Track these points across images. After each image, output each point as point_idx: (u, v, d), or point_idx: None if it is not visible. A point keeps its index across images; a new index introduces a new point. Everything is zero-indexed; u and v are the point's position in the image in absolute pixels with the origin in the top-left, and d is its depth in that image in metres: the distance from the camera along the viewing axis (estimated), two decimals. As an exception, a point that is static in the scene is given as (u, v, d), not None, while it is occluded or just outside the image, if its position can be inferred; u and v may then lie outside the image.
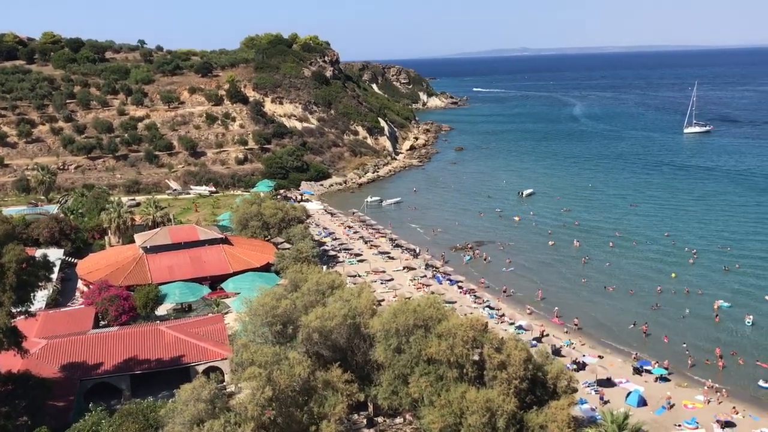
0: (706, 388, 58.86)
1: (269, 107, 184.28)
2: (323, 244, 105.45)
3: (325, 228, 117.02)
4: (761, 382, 59.85)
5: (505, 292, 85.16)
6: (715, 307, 77.23)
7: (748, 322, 72.68)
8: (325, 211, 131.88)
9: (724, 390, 58.48)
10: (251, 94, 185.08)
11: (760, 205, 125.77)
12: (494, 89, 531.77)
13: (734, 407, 55.34)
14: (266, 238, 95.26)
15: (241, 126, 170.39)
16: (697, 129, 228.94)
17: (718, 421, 52.92)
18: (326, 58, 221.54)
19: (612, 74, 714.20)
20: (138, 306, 69.66)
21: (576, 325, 74.04)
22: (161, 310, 73.48)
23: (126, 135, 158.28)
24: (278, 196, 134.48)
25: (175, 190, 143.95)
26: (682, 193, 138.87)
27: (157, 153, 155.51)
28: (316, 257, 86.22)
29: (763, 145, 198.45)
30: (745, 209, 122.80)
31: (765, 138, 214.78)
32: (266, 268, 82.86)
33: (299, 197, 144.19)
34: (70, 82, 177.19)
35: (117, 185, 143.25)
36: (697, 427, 51.30)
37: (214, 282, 79.91)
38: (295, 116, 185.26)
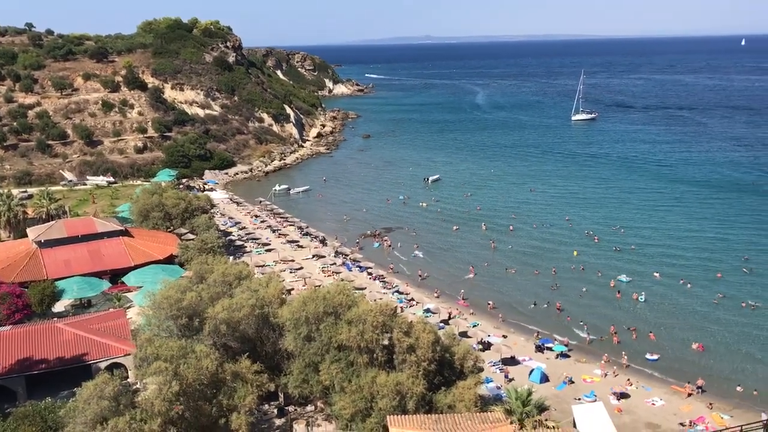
0: (602, 362, 62.08)
1: (169, 94, 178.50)
2: (229, 234, 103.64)
3: (231, 218, 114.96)
4: (648, 355, 63.66)
5: (421, 276, 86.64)
6: (612, 285, 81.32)
7: (641, 299, 77.01)
8: (231, 200, 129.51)
9: (622, 363, 61.95)
10: (150, 81, 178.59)
11: (649, 190, 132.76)
12: (383, 75, 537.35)
13: (628, 379, 58.72)
14: (169, 230, 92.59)
15: (140, 113, 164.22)
16: (584, 116, 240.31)
17: (614, 393, 55.98)
18: (228, 44, 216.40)
19: (514, 63, 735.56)
20: (33, 303, 66.22)
21: (490, 305, 76.27)
22: (58, 307, 70.22)
23: (15, 123, 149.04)
24: (181, 186, 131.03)
25: (71, 181, 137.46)
26: (577, 179, 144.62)
27: (49, 142, 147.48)
28: (222, 248, 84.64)
29: (648, 131, 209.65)
30: (637, 194, 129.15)
31: (650, 123, 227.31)
32: (170, 260, 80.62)
33: (203, 186, 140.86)
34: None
35: (6, 177, 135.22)
36: (595, 400, 53.96)
37: (115, 276, 77.10)
38: (196, 103, 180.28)
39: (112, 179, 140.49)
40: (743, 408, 53.90)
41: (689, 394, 56.18)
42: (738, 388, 57.17)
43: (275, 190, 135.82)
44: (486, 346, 64.74)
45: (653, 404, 54.78)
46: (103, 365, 51.23)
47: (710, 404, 54.51)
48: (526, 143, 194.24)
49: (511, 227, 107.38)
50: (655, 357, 63.31)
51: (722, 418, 51.85)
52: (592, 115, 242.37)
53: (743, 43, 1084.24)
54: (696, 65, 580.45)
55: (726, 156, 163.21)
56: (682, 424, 51.43)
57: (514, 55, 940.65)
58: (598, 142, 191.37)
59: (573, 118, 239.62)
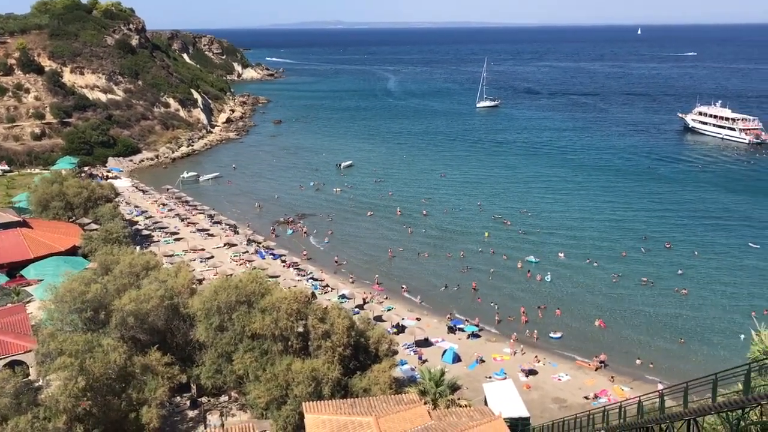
0: (512, 341, 64.20)
1: (68, 78, 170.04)
2: (135, 223, 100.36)
3: (137, 206, 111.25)
4: (552, 333, 66.31)
5: (336, 262, 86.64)
6: (520, 266, 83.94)
7: (547, 279, 79.94)
8: (137, 188, 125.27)
9: (530, 340, 64.27)
10: (47, 64, 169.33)
11: (555, 175, 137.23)
12: (292, 60, 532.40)
13: (536, 356, 61.00)
14: (71, 220, 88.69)
15: (37, 98, 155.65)
16: (488, 103, 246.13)
17: (523, 371, 58.07)
18: (131, 26, 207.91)
19: (426, 49, 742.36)
20: None
21: (404, 289, 77.25)
22: (-50, 304, 66.02)
23: None
24: (83, 174, 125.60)
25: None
26: (485, 165, 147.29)
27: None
28: (128, 238, 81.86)
29: (552, 118, 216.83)
30: (543, 180, 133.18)
31: (555, 110, 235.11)
32: (72, 251, 77.24)
33: (106, 174, 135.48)
34: None
35: None
36: (505, 378, 55.81)
37: (13, 269, 73.11)
38: (98, 87, 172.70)
39: (7, 167, 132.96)
40: (641, 380, 57.12)
41: (597, 369, 59.00)
42: (637, 361, 60.48)
43: (183, 177, 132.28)
44: (400, 329, 65.65)
45: (559, 380, 57.18)
46: (1, 363, 48.68)
47: (612, 377, 57.48)
48: (436, 130, 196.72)
49: (424, 212, 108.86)
50: (559, 335, 66.00)
51: (623, 390, 54.72)
52: (496, 102, 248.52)
53: (639, 32, 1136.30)
54: (598, 53, 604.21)
55: (626, 142, 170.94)
56: (586, 397, 53.95)
57: (426, 42, 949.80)
58: (506, 129, 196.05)
59: (478, 105, 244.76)
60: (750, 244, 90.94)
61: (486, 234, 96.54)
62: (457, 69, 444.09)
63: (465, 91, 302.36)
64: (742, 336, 60.47)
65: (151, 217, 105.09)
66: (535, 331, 66.55)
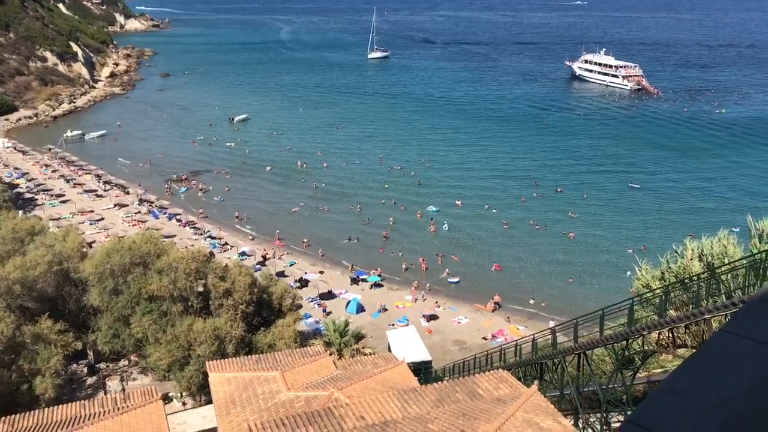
0: (413, 288, 65.75)
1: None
2: (16, 186, 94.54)
3: (17, 168, 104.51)
4: (450, 279, 68.41)
5: (238, 217, 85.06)
6: (419, 215, 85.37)
7: (445, 227, 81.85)
8: (15, 149, 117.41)
9: (427, 287, 66.08)
10: None
11: (451, 127, 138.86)
12: (170, 9, 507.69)
13: (436, 302, 62.88)
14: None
15: None
16: (379, 54, 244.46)
17: (424, 316, 59.75)
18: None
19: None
20: None
21: (305, 243, 77.03)
22: None
23: None
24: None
25: None
26: (382, 118, 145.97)
27: None
28: (9, 202, 77.13)
29: (446, 68, 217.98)
30: (439, 131, 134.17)
31: (449, 60, 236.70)
32: (-54, 218, 71.95)
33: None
34: None
35: None
36: (408, 324, 57.29)
37: None
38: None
39: None
40: (535, 319, 60.05)
41: (493, 310, 61.50)
42: (530, 301, 63.52)
43: (67, 136, 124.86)
44: (303, 283, 65.78)
45: (459, 323, 59.28)
46: None
47: (508, 318, 60.17)
48: (331, 82, 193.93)
49: (325, 164, 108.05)
50: (457, 279, 68.14)
51: (518, 329, 57.37)
52: (387, 53, 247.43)
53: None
54: (490, 3, 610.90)
55: (517, 91, 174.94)
56: (484, 338, 56.27)
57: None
58: (400, 81, 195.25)
59: (369, 56, 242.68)
60: (630, 185, 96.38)
61: (386, 186, 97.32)
62: (352, 19, 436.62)
63: (360, 42, 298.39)
64: (628, 273, 64.30)
65: (33, 179, 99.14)
66: (432, 278, 68.32)
